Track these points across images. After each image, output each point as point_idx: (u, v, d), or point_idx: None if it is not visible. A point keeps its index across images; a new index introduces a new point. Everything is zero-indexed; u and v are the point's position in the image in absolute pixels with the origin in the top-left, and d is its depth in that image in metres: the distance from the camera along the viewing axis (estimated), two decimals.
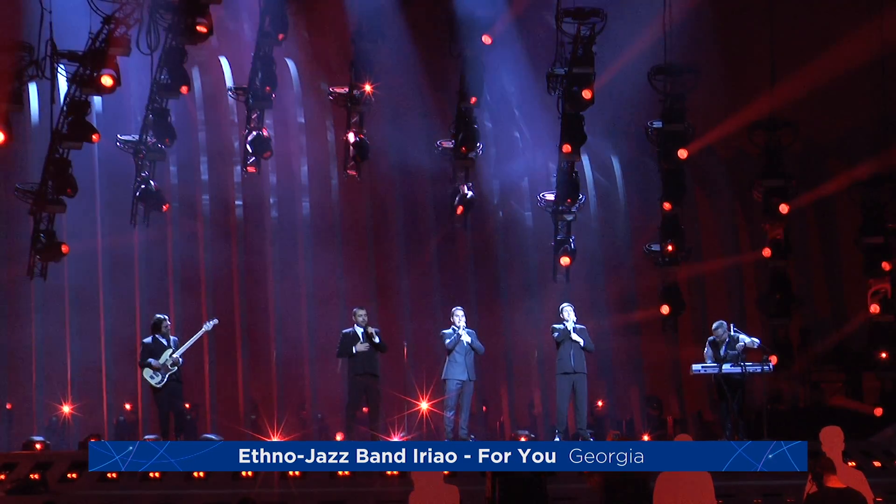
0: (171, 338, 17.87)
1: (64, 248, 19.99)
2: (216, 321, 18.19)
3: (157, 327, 17.69)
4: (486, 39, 21.73)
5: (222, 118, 22.74)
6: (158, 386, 17.56)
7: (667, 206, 22.61)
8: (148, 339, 17.70)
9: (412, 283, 23.50)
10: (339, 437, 19.80)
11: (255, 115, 21.40)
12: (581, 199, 22.74)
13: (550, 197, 22.83)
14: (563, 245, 22.59)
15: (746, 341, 18.84)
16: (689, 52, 22.13)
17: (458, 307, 18.22)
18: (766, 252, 23.43)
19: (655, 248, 23.10)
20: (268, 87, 21.37)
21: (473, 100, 21.88)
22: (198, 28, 20.42)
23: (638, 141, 23.68)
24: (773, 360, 22.77)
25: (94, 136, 19.92)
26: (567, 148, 21.72)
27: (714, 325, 19.07)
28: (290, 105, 22.78)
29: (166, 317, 18.01)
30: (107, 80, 20.03)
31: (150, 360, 17.46)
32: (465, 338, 17.88)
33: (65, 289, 21.42)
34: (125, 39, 20.23)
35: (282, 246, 23.00)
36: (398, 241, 23.49)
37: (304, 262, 22.94)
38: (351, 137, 21.81)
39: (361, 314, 17.93)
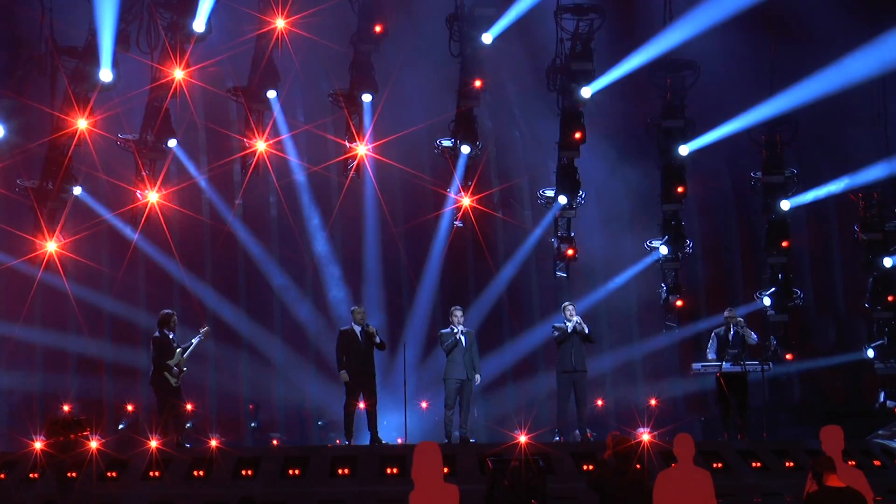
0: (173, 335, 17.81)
1: (57, 243, 20.01)
2: (207, 329, 18.06)
3: (166, 323, 17.57)
4: (487, 39, 21.75)
5: (222, 118, 22.72)
6: (176, 386, 17.45)
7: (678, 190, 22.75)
8: (157, 334, 17.60)
9: (412, 282, 23.50)
10: (337, 442, 19.78)
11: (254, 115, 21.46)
12: (581, 196, 22.79)
13: (550, 193, 22.89)
14: (564, 241, 22.66)
15: (751, 339, 18.84)
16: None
17: (456, 307, 18.19)
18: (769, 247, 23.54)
19: (656, 244, 23.24)
20: (267, 88, 21.42)
21: (480, 83, 21.88)
22: (196, 27, 20.47)
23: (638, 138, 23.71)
24: (790, 357, 22.85)
25: (81, 120, 19.95)
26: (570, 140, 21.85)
27: (727, 314, 19.06)
28: (290, 104, 22.76)
29: (174, 312, 17.92)
30: (106, 76, 20.05)
31: (168, 361, 17.36)
32: (473, 364, 17.81)
33: (65, 287, 21.40)
34: (124, 36, 20.29)
35: (282, 245, 22.99)
36: (398, 240, 23.48)
37: (304, 261, 22.93)
38: (351, 141, 21.88)
39: (360, 312, 17.89)
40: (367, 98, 21.89)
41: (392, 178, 23.31)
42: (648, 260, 23.73)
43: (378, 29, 21.62)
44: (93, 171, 21.30)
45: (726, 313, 19.22)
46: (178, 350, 17.45)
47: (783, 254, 23.56)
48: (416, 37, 22.32)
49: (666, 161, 23.20)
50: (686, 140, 22.98)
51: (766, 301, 23.46)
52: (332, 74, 22.35)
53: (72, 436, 15.59)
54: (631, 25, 22.86)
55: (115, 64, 20.23)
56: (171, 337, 17.47)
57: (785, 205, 23.37)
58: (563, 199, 22.58)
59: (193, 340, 17.60)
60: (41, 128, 20.91)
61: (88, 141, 20.65)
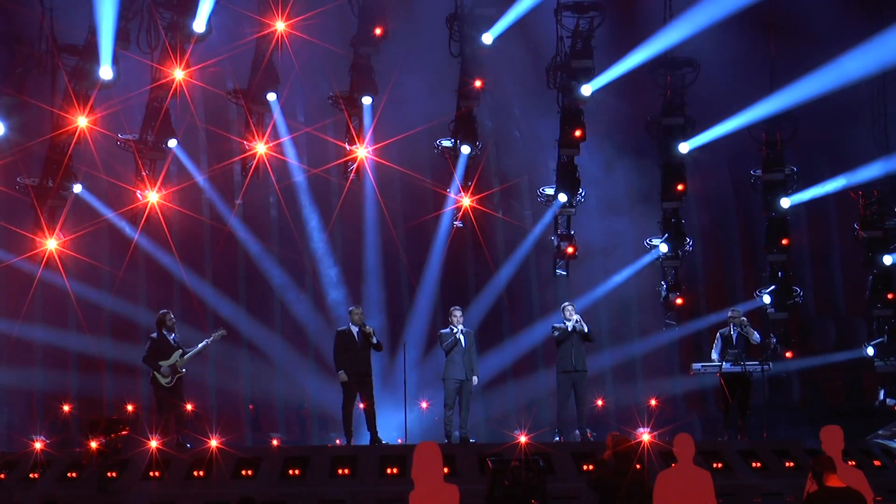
0: (175, 335, 17.79)
1: (57, 241, 20.00)
2: (223, 332, 18.08)
3: (162, 323, 17.59)
4: (487, 39, 21.76)
5: (222, 118, 22.71)
6: (168, 386, 17.48)
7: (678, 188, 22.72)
8: (154, 335, 17.62)
9: (412, 282, 23.50)
10: (338, 442, 19.77)
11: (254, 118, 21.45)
12: (581, 194, 22.78)
13: (550, 191, 22.87)
14: (564, 239, 22.64)
15: (753, 338, 18.81)
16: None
17: (456, 307, 18.16)
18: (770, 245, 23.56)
19: (656, 241, 23.23)
20: (267, 91, 21.41)
21: (480, 83, 21.88)
22: (197, 27, 20.47)
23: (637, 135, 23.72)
24: (790, 355, 22.81)
25: (81, 117, 19.93)
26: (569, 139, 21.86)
27: (730, 313, 19.02)
28: (290, 104, 22.75)
29: (169, 311, 17.94)
30: (106, 73, 20.04)
31: (160, 362, 17.36)
32: (472, 365, 17.79)
33: (65, 285, 21.41)
34: (124, 33, 20.29)
35: (282, 246, 22.98)
36: (398, 240, 23.48)
37: (304, 260, 22.93)
38: (351, 143, 21.88)
39: (357, 312, 17.87)
40: (367, 101, 21.90)
41: (392, 179, 23.32)
42: (648, 258, 23.72)
43: (378, 31, 21.60)
44: (93, 171, 21.30)
45: (730, 313, 19.18)
46: (178, 351, 17.45)
47: (783, 251, 23.55)
48: (416, 37, 22.31)
49: (666, 159, 23.20)
50: (686, 138, 22.97)
51: (766, 299, 23.44)
52: (332, 77, 22.35)
53: (113, 435, 15.63)
54: (631, 23, 22.85)
55: (116, 61, 20.22)
56: (170, 337, 17.48)
57: (785, 202, 23.36)
58: (563, 197, 22.57)
59: (199, 345, 17.62)
60: (41, 125, 20.91)
61: (89, 139, 20.66)
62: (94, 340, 21.84)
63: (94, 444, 15.41)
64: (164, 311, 17.83)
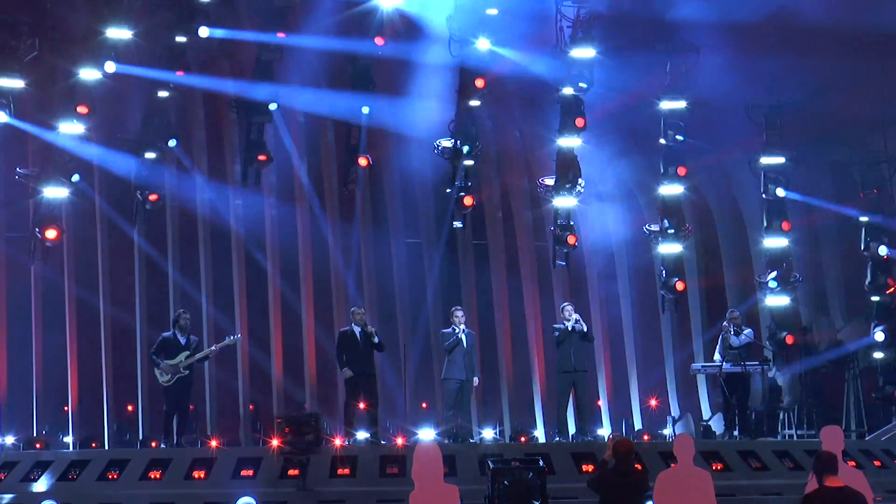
0: (192, 337, 17.89)
1: (55, 232, 19.93)
2: (239, 336, 18.26)
3: (175, 322, 17.79)
4: (486, 43, 21.78)
5: (224, 117, 22.71)
6: (166, 385, 17.61)
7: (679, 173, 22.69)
8: (168, 333, 17.81)
9: (412, 283, 23.49)
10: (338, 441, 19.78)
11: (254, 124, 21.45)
12: (581, 185, 22.73)
13: (550, 182, 22.82)
14: (564, 230, 22.57)
15: (733, 340, 18.80)
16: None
17: (457, 307, 18.21)
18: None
19: (655, 227, 23.11)
20: (267, 98, 21.39)
21: (481, 82, 21.87)
22: (200, 32, 20.46)
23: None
24: (790, 340, 22.77)
25: (80, 108, 19.88)
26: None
27: (730, 312, 19.05)
28: (291, 113, 22.72)
29: (184, 311, 18.06)
30: (109, 68, 20.02)
31: (163, 360, 17.48)
32: (472, 365, 17.78)
33: (65, 286, 21.39)
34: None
35: (282, 245, 22.97)
36: (398, 240, 23.48)
37: (304, 260, 22.92)
38: (352, 150, 21.89)
39: (360, 313, 17.92)
40: (365, 110, 21.90)
41: (392, 179, 23.33)
42: (648, 246, 23.63)
43: (380, 41, 21.55)
44: (92, 167, 21.32)
45: (729, 313, 19.21)
46: (183, 354, 17.56)
47: (783, 236, 23.50)
48: (416, 38, 22.29)
49: (666, 144, 23.11)
50: (687, 123, 22.88)
51: (772, 284, 23.33)
52: (333, 84, 22.35)
53: (300, 434, 15.69)
54: (631, 9, 22.78)
55: (118, 57, 20.18)
56: (181, 338, 17.62)
57: (780, 192, 23.30)
58: (563, 186, 22.47)
59: (209, 348, 17.73)
60: (41, 116, 20.88)
61: (89, 133, 20.64)
62: (92, 336, 21.81)
63: (275, 443, 15.52)
64: (181, 310, 18.06)
